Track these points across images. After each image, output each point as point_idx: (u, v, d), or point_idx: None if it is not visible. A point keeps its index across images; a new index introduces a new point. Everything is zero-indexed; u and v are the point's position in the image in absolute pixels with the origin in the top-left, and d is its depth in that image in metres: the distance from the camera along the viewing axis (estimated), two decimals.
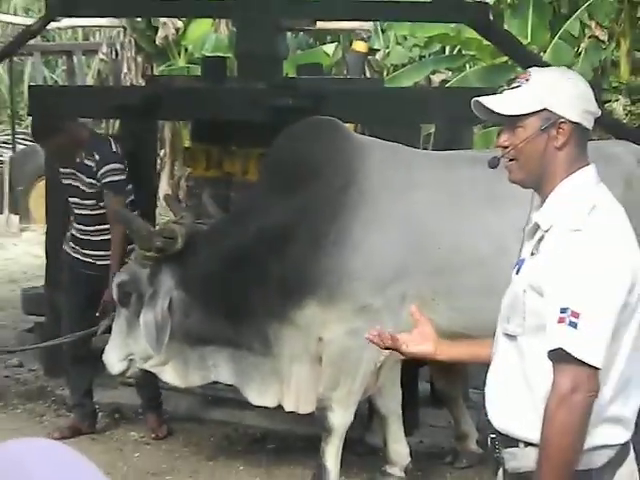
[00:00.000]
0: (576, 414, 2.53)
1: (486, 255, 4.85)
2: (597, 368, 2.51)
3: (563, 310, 2.53)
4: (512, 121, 2.79)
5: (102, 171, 5.94)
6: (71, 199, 6.22)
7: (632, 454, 2.77)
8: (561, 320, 2.52)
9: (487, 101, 2.85)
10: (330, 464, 5.16)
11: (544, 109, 2.71)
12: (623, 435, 2.70)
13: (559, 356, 2.53)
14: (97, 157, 6.00)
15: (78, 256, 6.20)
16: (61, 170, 6.25)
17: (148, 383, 5.91)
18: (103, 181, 5.93)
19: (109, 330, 5.67)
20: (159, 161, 9.47)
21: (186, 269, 5.19)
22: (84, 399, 6.11)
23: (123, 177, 5.98)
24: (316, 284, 5.08)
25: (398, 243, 5.07)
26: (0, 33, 14.70)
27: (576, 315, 2.50)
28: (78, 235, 6.24)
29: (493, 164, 2.88)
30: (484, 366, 3.16)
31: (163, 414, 6.27)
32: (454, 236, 5.00)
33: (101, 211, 6.04)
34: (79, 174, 6.07)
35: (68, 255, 6.26)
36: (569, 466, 2.58)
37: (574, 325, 2.50)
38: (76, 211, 6.24)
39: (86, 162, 6.04)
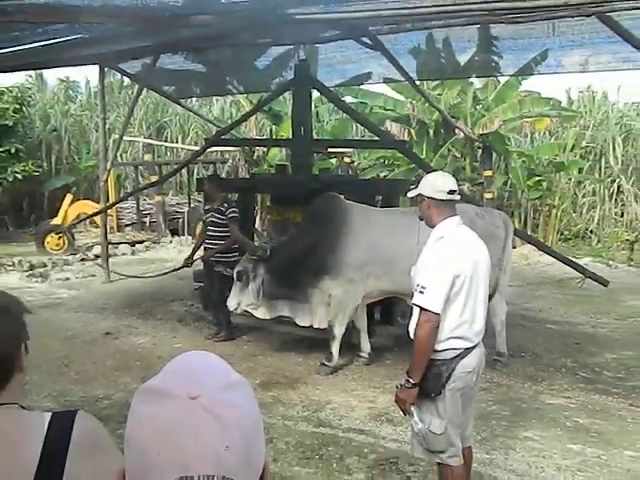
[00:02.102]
0: (426, 333, 2.58)
1: (404, 256, 4.67)
2: (435, 312, 2.56)
3: (418, 285, 2.60)
4: (414, 198, 2.85)
5: (229, 211, 5.94)
6: (209, 227, 6.14)
7: (475, 352, 2.71)
8: (417, 289, 2.60)
9: (409, 194, 2.92)
10: (334, 351, 5.27)
11: (420, 194, 2.77)
12: (465, 344, 2.67)
13: (419, 307, 2.60)
14: (226, 205, 6.01)
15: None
16: (208, 214, 6.20)
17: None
18: (229, 216, 5.92)
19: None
20: (256, 212, 9.46)
21: (268, 264, 5.24)
22: (221, 321, 6.09)
23: (238, 215, 5.99)
24: (329, 269, 5.16)
25: (366, 250, 5.15)
26: (183, 154, 14.63)
27: (423, 288, 2.57)
28: (208, 246, 6.15)
29: (420, 217, 2.88)
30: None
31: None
32: (391, 247, 5.06)
33: (220, 234, 5.97)
34: (216, 214, 6.03)
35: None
36: (425, 355, 2.61)
37: (422, 293, 2.58)
38: (209, 233, 6.13)
39: (220, 208, 6.01)
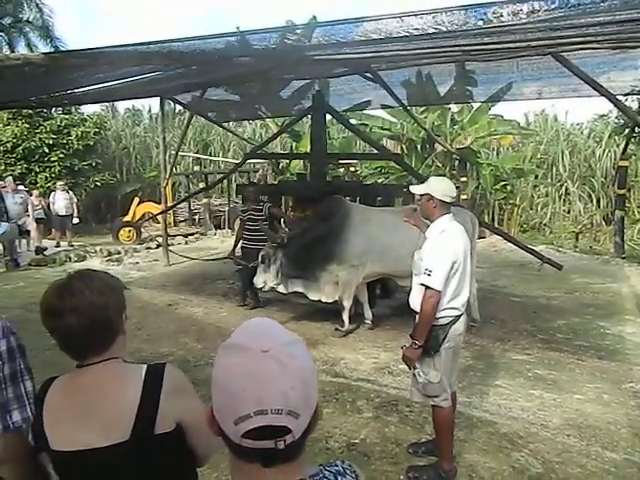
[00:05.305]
0: (431, 306, 2.56)
1: (397, 245, 4.78)
2: (438, 290, 2.54)
3: (426, 269, 2.56)
4: (419, 196, 2.75)
5: (267, 207, 5.94)
6: (247, 223, 6.04)
7: (462, 319, 2.70)
8: (425, 272, 2.56)
9: (412, 188, 2.84)
10: (345, 319, 5.24)
11: (427, 193, 2.68)
12: (455, 313, 2.66)
13: (425, 286, 2.56)
14: (262, 205, 5.98)
15: (245, 246, 6.09)
16: (246, 213, 6.12)
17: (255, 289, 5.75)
18: (269, 209, 5.92)
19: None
20: (283, 209, 9.24)
21: (286, 250, 5.13)
22: (252, 295, 6.11)
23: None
24: (335, 256, 5.05)
25: (364, 241, 5.04)
26: (224, 166, 14.56)
27: (430, 271, 2.54)
28: (247, 237, 6.05)
29: (414, 210, 2.86)
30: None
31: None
32: (385, 238, 4.97)
33: (257, 226, 5.76)
34: (254, 212, 5.97)
35: (244, 245, 6.12)
36: (429, 323, 2.58)
37: (429, 275, 2.54)
38: (248, 227, 6.03)
39: (256, 207, 5.97)
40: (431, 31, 2.98)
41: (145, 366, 1.23)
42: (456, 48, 4.04)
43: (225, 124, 11.50)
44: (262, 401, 0.71)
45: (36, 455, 1.32)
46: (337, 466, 0.82)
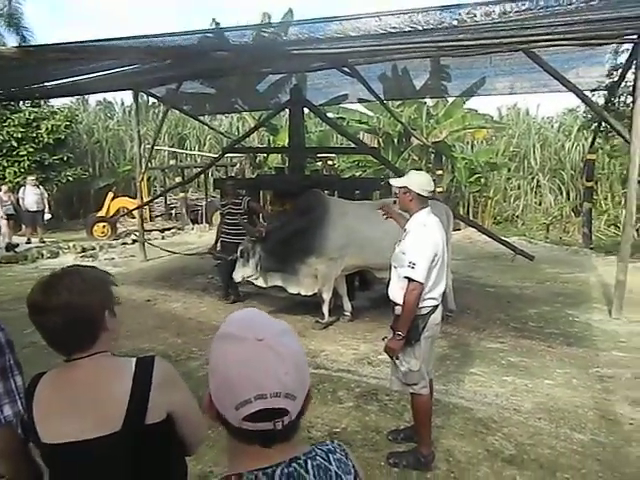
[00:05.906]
0: (414, 298, 2.59)
1: (376, 238, 4.81)
2: (421, 282, 2.58)
3: (409, 262, 2.59)
4: (398, 189, 2.77)
5: (246, 200, 5.91)
6: (226, 217, 6.03)
7: (439, 308, 2.76)
8: (409, 265, 2.59)
9: (392, 181, 2.87)
10: (325, 312, 5.27)
11: (406, 186, 2.71)
12: (434, 303, 2.70)
13: (408, 278, 2.60)
14: (241, 199, 5.95)
15: (224, 240, 6.07)
16: (225, 207, 6.11)
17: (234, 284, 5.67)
18: (248, 202, 5.90)
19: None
20: (262, 203, 9.19)
21: (264, 244, 5.10)
22: (233, 290, 6.11)
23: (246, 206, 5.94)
24: (314, 250, 5.06)
25: (343, 234, 5.06)
26: (200, 160, 14.35)
27: (414, 264, 2.57)
28: (226, 231, 6.03)
29: (392, 203, 2.89)
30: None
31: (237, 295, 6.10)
32: (364, 231, 4.99)
33: (237, 220, 5.72)
34: (233, 206, 5.95)
35: (223, 239, 6.12)
36: (412, 314, 2.62)
37: (413, 267, 2.58)
38: (227, 221, 6.02)
39: (235, 201, 5.95)
40: (407, 29, 3.05)
41: (134, 359, 1.25)
42: (431, 44, 4.13)
43: (201, 117, 11.38)
44: (261, 386, 0.77)
45: (27, 448, 1.34)
46: (328, 445, 0.88)
